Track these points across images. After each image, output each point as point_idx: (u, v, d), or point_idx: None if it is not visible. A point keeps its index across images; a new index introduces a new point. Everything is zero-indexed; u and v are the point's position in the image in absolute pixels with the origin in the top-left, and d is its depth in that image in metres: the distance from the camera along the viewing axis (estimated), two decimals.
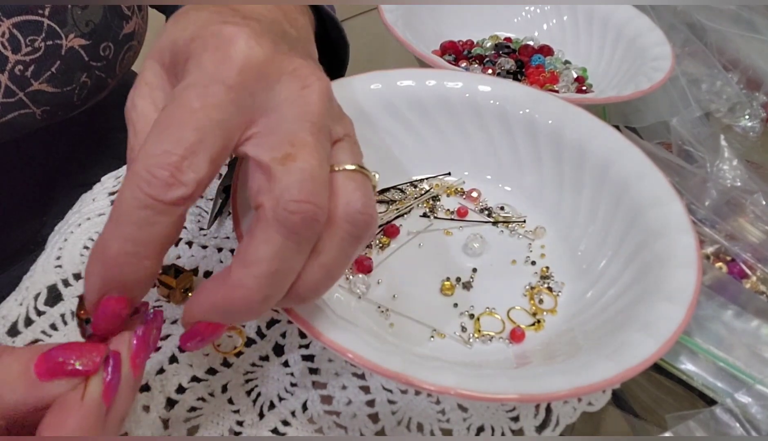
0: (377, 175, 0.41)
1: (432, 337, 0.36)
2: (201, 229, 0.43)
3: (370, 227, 0.25)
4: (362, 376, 0.36)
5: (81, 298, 0.25)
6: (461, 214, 0.43)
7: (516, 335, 0.36)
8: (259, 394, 0.35)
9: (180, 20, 0.26)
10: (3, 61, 0.35)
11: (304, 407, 0.34)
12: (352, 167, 0.26)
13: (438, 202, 0.44)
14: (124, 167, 0.47)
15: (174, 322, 0.37)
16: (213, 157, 0.23)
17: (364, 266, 0.39)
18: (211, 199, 0.45)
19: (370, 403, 0.35)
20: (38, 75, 0.36)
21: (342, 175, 0.25)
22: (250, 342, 0.37)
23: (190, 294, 0.38)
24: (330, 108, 0.26)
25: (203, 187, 0.23)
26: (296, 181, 0.23)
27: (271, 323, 0.38)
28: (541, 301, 0.38)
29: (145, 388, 0.34)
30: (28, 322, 0.36)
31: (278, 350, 0.37)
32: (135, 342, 0.24)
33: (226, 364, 0.36)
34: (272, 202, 0.23)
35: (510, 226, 0.43)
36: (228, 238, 0.42)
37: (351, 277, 0.38)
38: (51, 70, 0.37)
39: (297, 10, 0.32)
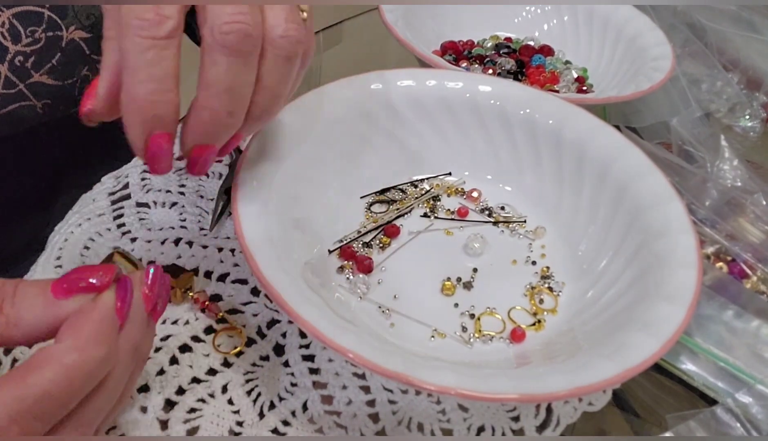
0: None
1: (432, 337, 0.36)
2: (201, 229, 0.43)
3: (296, 47, 0.28)
4: (363, 376, 0.36)
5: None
6: (462, 214, 0.43)
7: (516, 335, 0.36)
8: (259, 394, 0.35)
9: None
10: (3, 52, 0.35)
11: (305, 407, 0.34)
12: None
13: (438, 202, 0.44)
14: (125, 167, 0.47)
15: (174, 322, 0.37)
16: None
17: (364, 266, 0.39)
18: (213, 200, 0.45)
19: (371, 403, 0.35)
20: (39, 66, 0.36)
21: (269, 6, 0.27)
22: (250, 342, 0.37)
23: (190, 294, 0.38)
24: None
25: (184, 13, 0.26)
26: (225, 7, 0.26)
27: (272, 323, 0.38)
28: (541, 301, 0.38)
29: (144, 388, 0.34)
30: None
31: (278, 350, 0.37)
32: (146, 278, 0.25)
33: (227, 364, 0.36)
34: (209, 30, 0.26)
35: (510, 226, 0.43)
36: (228, 238, 0.42)
37: (352, 277, 0.38)
38: (52, 61, 0.37)
39: None
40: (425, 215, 0.43)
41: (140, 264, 0.36)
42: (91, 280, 0.23)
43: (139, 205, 0.44)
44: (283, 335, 0.37)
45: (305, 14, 0.29)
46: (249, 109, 0.28)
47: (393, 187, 0.44)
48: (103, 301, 0.23)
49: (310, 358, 0.37)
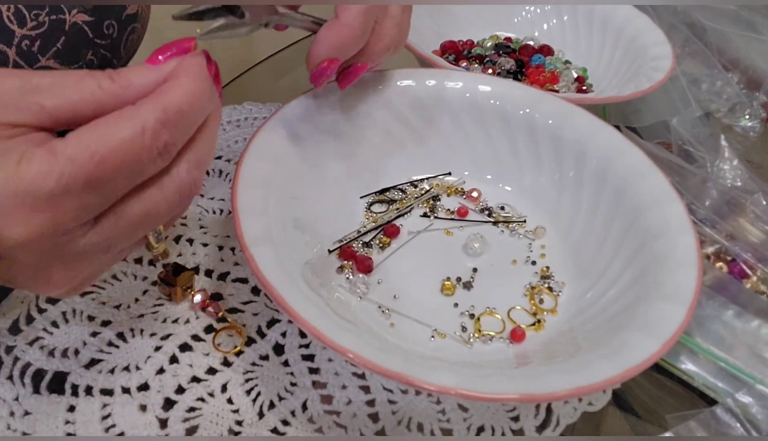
0: None
1: (432, 337, 0.36)
2: (201, 226, 0.43)
3: (404, 25, 0.38)
4: (362, 376, 0.36)
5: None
6: (461, 214, 0.43)
7: (516, 335, 0.36)
8: (258, 394, 0.35)
9: None
10: (9, 36, 0.35)
11: (304, 407, 0.34)
12: None
13: (438, 202, 0.44)
14: None
15: (175, 320, 0.37)
16: None
17: (364, 266, 0.39)
18: (212, 199, 0.45)
19: (370, 403, 0.35)
20: (45, 50, 0.37)
21: None
22: (250, 341, 0.37)
23: (190, 292, 0.38)
24: None
25: None
26: None
27: (272, 323, 0.38)
28: (541, 301, 0.38)
29: (144, 387, 0.34)
30: (30, 319, 0.36)
31: (278, 350, 0.37)
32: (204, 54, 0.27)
33: (226, 363, 0.36)
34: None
35: (510, 226, 0.43)
36: (228, 236, 0.42)
37: (352, 277, 0.38)
38: (57, 45, 0.37)
39: None
40: (425, 215, 0.43)
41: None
42: (182, 46, 0.26)
43: None
44: (283, 335, 0.37)
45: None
46: (367, 45, 0.36)
47: (393, 187, 0.44)
48: (197, 53, 0.26)
49: (309, 357, 0.37)
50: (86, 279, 0.27)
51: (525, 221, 0.43)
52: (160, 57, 0.26)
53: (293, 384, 0.35)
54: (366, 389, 0.35)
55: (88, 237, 0.25)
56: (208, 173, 0.47)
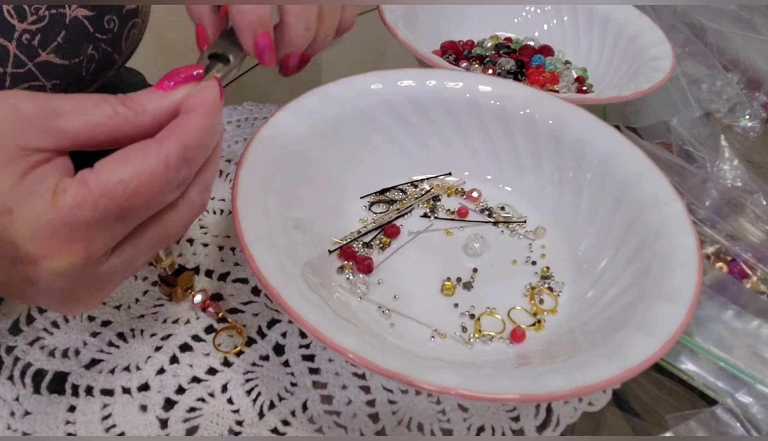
0: None
1: (432, 337, 0.36)
2: (201, 227, 0.43)
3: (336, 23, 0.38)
4: (362, 376, 0.36)
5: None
6: (462, 214, 0.43)
7: (516, 335, 0.36)
8: (259, 394, 0.35)
9: None
10: (10, 30, 0.35)
11: (305, 407, 0.34)
12: None
13: (438, 202, 0.44)
14: None
15: (175, 321, 0.37)
16: None
17: (364, 266, 0.39)
18: (212, 199, 0.45)
19: (371, 403, 0.35)
20: (45, 45, 0.37)
21: None
22: (250, 341, 0.37)
23: (191, 292, 0.38)
24: None
25: None
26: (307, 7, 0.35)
27: (272, 323, 0.38)
28: (541, 301, 0.38)
29: (144, 387, 0.34)
30: (30, 319, 0.36)
31: (278, 350, 0.37)
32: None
33: (227, 363, 0.36)
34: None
35: (510, 226, 0.43)
36: (228, 237, 0.42)
37: (352, 277, 0.38)
38: (57, 40, 0.37)
39: None
40: (425, 215, 0.43)
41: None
42: (190, 73, 0.27)
43: None
44: (283, 335, 0.37)
45: None
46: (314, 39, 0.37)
47: (393, 187, 0.44)
48: (212, 84, 0.27)
49: (309, 357, 0.37)
50: (104, 296, 0.28)
51: (525, 221, 0.43)
52: (169, 83, 0.27)
53: (293, 384, 0.35)
54: (366, 389, 0.35)
55: (111, 261, 0.26)
56: None
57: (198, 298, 0.38)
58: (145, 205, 0.25)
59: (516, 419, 0.35)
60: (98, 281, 0.26)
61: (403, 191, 0.44)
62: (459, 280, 0.39)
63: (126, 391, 0.34)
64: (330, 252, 0.40)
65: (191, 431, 0.33)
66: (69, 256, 0.24)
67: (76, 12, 0.37)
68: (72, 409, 0.33)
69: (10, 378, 0.34)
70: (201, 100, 0.26)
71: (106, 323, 0.37)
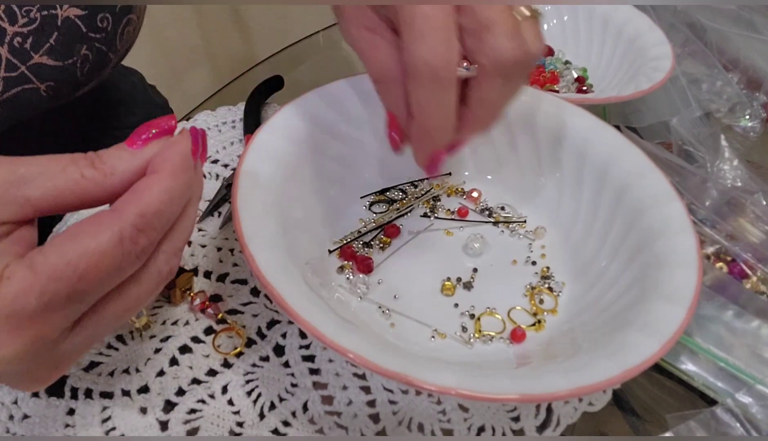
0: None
1: (433, 337, 0.36)
2: (200, 229, 0.43)
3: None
4: (363, 377, 0.36)
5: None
6: (462, 214, 0.43)
7: (517, 335, 0.36)
8: (259, 395, 0.35)
9: None
10: (1, 34, 0.35)
11: (305, 408, 0.34)
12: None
13: (438, 202, 0.44)
14: None
15: (174, 322, 0.37)
16: None
17: (364, 266, 0.39)
18: (209, 201, 0.45)
19: (371, 404, 0.35)
20: (37, 47, 0.36)
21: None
22: (250, 342, 0.37)
23: (190, 294, 0.38)
24: None
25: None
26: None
27: (272, 324, 0.38)
28: (541, 301, 0.38)
29: (144, 389, 0.34)
30: None
31: (279, 351, 0.37)
32: (191, 134, 0.27)
33: (227, 364, 0.36)
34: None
35: (510, 226, 0.43)
36: (227, 239, 0.42)
37: (352, 277, 0.38)
38: (50, 41, 0.37)
39: None
40: (425, 215, 0.43)
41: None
42: (163, 126, 0.26)
43: None
44: (283, 336, 0.37)
45: (527, 13, 0.30)
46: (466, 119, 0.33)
47: (393, 187, 0.44)
48: (181, 138, 0.26)
49: (310, 358, 0.36)
50: (65, 370, 0.27)
51: (525, 221, 0.43)
52: (142, 137, 0.25)
53: (294, 385, 0.35)
54: (367, 390, 0.35)
55: (70, 339, 0.25)
56: (204, 176, 0.47)
57: (197, 299, 0.38)
58: (99, 283, 0.23)
59: (516, 419, 0.35)
60: (56, 359, 0.25)
61: (403, 191, 0.44)
62: (459, 280, 0.39)
63: (126, 393, 0.34)
64: (330, 252, 0.40)
65: (192, 433, 0.33)
66: (16, 345, 0.22)
67: (68, 12, 0.37)
68: (71, 412, 0.33)
69: None
70: (164, 159, 0.25)
71: None
